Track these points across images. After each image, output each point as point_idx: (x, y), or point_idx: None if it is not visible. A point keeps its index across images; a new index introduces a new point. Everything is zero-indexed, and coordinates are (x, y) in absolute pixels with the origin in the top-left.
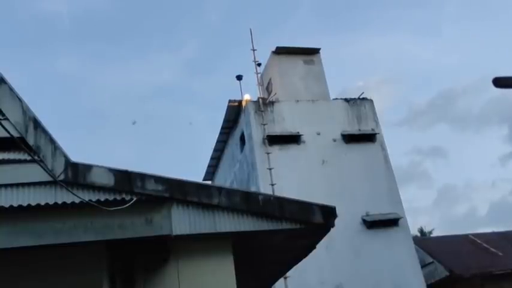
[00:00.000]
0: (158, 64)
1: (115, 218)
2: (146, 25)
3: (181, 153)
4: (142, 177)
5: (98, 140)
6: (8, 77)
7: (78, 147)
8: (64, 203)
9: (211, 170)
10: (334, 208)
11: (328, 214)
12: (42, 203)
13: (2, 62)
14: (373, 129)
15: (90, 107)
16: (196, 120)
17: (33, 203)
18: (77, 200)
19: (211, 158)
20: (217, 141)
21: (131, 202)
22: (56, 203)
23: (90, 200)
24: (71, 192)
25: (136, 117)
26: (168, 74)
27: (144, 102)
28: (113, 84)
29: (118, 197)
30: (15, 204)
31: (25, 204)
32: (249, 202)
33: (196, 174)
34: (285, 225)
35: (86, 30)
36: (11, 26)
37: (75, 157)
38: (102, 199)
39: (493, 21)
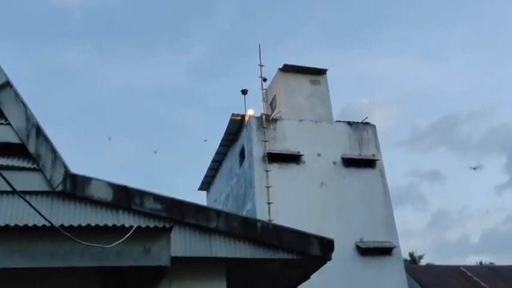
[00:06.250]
0: (163, 65)
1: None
2: (155, 25)
3: (179, 156)
4: (141, 194)
5: (98, 135)
6: (11, 69)
7: (76, 143)
8: (61, 225)
9: (208, 181)
10: (333, 241)
11: (326, 246)
12: (39, 225)
13: (7, 55)
14: (373, 155)
15: (92, 103)
16: (196, 125)
17: (28, 215)
18: (75, 224)
19: (209, 169)
20: (217, 153)
21: (130, 232)
22: (52, 226)
23: (89, 225)
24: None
25: (136, 116)
26: (171, 76)
27: (146, 101)
28: (118, 82)
29: (117, 223)
30: (9, 212)
31: (21, 224)
32: (246, 228)
33: (192, 179)
34: (282, 255)
35: (95, 25)
36: (20, 17)
37: (74, 154)
38: (100, 215)
39: (500, 51)
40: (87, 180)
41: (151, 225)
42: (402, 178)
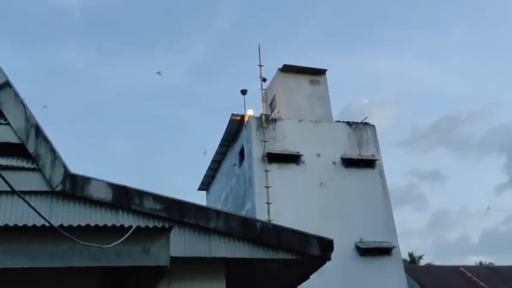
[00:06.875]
0: (163, 66)
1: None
2: (155, 25)
3: (179, 156)
4: (141, 194)
5: (97, 136)
6: (11, 69)
7: (76, 143)
8: (61, 225)
9: (208, 181)
10: (332, 241)
11: (325, 247)
12: (39, 225)
13: (7, 55)
14: (373, 155)
15: (92, 103)
16: (196, 125)
17: (28, 215)
18: (75, 224)
19: (209, 169)
20: (216, 153)
21: (130, 232)
22: (51, 226)
23: (88, 225)
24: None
25: (136, 116)
26: (171, 76)
27: (146, 101)
28: (117, 82)
29: (116, 223)
30: (8, 212)
31: (21, 224)
32: (246, 228)
33: (192, 179)
34: (281, 255)
35: (95, 25)
36: (20, 17)
37: (74, 154)
38: (99, 215)
39: (500, 51)
40: (86, 180)
41: (151, 225)
42: (402, 178)
